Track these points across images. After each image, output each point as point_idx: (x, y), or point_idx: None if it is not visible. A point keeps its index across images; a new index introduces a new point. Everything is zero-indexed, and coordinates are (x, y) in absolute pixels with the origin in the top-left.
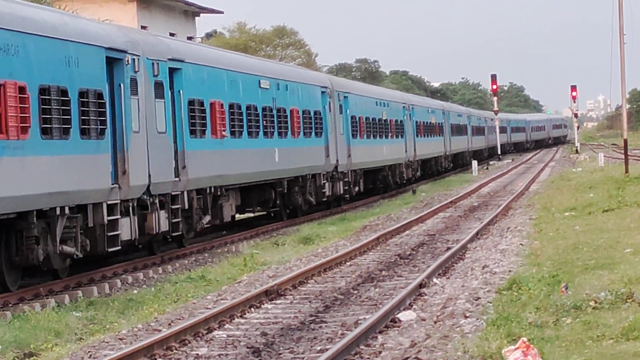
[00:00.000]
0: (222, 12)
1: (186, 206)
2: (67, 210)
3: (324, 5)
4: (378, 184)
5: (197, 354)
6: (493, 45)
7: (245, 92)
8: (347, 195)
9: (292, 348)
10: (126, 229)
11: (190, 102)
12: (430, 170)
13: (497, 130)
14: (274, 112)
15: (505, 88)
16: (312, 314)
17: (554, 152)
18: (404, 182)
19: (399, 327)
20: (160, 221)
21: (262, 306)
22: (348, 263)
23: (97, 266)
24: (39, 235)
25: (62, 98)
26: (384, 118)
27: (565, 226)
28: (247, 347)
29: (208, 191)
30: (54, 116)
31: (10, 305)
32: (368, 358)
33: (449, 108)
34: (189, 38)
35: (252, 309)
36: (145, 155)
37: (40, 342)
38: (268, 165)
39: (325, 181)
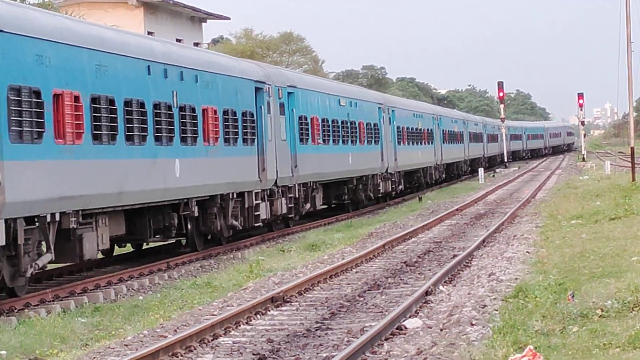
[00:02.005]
0: (228, 18)
1: (297, 195)
2: (234, 195)
3: (330, 12)
4: (413, 183)
5: None
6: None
7: (330, 109)
8: (393, 192)
9: (298, 355)
10: (263, 210)
11: (300, 118)
12: (452, 173)
13: (504, 137)
14: (348, 124)
15: (512, 95)
16: (318, 321)
17: (560, 160)
18: (433, 182)
19: (405, 334)
20: (282, 206)
21: (268, 313)
22: (354, 270)
23: (104, 272)
24: (217, 212)
25: (232, 117)
26: (419, 127)
27: (571, 234)
28: (253, 354)
29: (309, 185)
30: (230, 130)
31: (16, 310)
32: None
33: (467, 118)
34: (196, 44)
35: (258, 316)
36: (274, 157)
37: (45, 347)
38: (344, 166)
39: (380, 180)
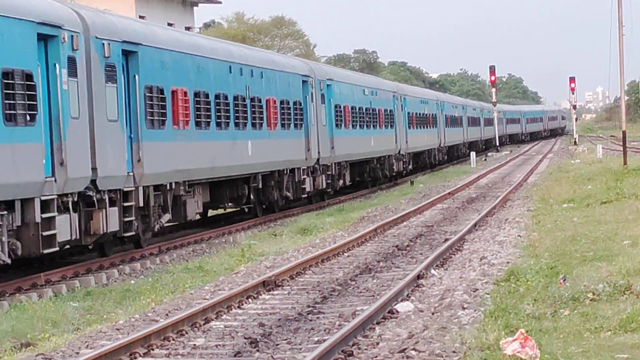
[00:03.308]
0: (220, 2)
1: (333, 172)
2: (287, 171)
3: None
4: (420, 164)
5: (195, 345)
6: (492, 36)
7: (358, 98)
8: (404, 172)
9: (290, 339)
10: (308, 184)
11: (336, 106)
12: (453, 155)
13: (495, 121)
14: (370, 111)
15: (504, 79)
16: (310, 305)
17: (552, 144)
18: (436, 163)
19: (396, 318)
20: (323, 181)
21: (260, 297)
22: (346, 254)
23: (99, 255)
24: (274, 185)
25: (286, 106)
26: (426, 113)
27: (563, 218)
28: (245, 338)
29: (342, 164)
30: (285, 116)
31: (8, 295)
32: (365, 349)
33: (466, 103)
34: (187, 28)
35: (250, 300)
36: (317, 140)
37: (37, 332)
38: (368, 148)
39: (394, 160)
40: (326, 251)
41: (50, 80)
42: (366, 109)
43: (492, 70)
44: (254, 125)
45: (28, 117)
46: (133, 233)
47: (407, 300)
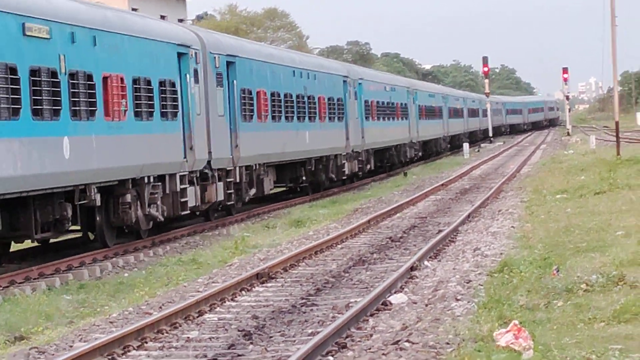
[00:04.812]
0: None
1: (363, 158)
2: (333, 157)
3: None
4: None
5: (188, 337)
6: (485, 27)
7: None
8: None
9: (283, 331)
10: (347, 168)
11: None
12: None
13: (489, 112)
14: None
15: (497, 70)
16: (303, 297)
17: (545, 135)
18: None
19: (390, 310)
20: (355, 166)
21: (253, 289)
22: (339, 246)
23: (90, 249)
24: (322, 168)
25: (331, 102)
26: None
27: (556, 209)
28: (238, 330)
29: (369, 151)
30: (332, 111)
31: (1, 288)
32: (359, 341)
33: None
34: (180, 20)
35: (243, 292)
36: (352, 129)
37: (30, 325)
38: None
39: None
40: (319, 243)
41: (183, 87)
42: (387, 103)
43: (485, 61)
44: (310, 118)
45: (173, 114)
46: (232, 202)
47: (401, 292)
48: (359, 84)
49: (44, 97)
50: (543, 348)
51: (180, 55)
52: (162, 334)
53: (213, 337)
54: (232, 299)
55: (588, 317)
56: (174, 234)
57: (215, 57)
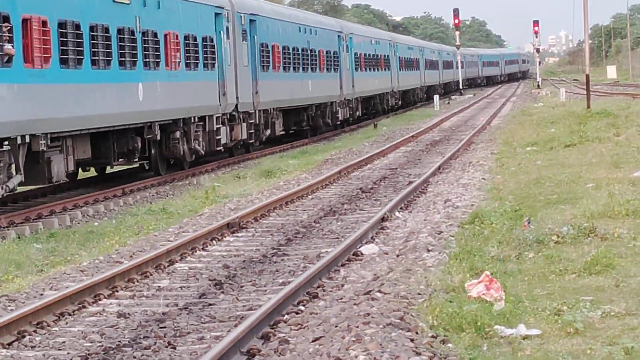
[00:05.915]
0: None
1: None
2: (329, 104)
3: None
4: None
5: (159, 286)
6: None
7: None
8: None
9: (254, 281)
10: (341, 114)
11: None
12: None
13: (459, 64)
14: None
15: (467, 23)
16: (274, 247)
17: (515, 88)
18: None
19: (361, 260)
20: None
21: (224, 239)
22: (310, 196)
23: (60, 198)
24: (320, 113)
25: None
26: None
27: (527, 161)
28: (209, 280)
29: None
30: (328, 63)
31: None
32: (330, 291)
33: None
34: None
35: (214, 242)
36: (350, 77)
37: (0, 273)
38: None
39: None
40: (290, 193)
41: (218, 42)
42: (373, 55)
43: (456, 13)
44: (312, 69)
45: (212, 65)
46: (253, 140)
47: (372, 242)
48: (350, 38)
49: (126, 51)
50: (514, 299)
51: (216, 15)
52: (133, 282)
53: (184, 287)
54: (202, 249)
55: (559, 269)
56: (144, 183)
57: (241, 16)
